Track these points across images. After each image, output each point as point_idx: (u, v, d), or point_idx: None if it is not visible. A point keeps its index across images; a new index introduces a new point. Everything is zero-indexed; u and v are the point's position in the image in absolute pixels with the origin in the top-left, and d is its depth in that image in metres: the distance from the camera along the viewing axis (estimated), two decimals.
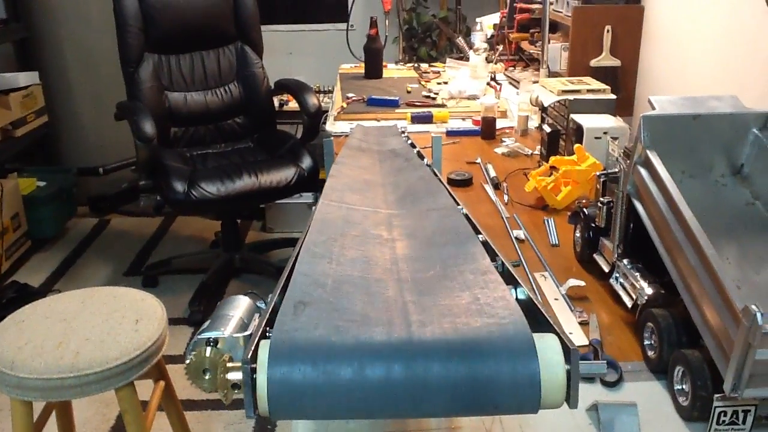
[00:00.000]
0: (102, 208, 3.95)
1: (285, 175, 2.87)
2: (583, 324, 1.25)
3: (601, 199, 1.39)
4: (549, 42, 2.57)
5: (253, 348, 0.44)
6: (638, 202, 1.20)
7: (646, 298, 1.17)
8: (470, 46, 3.31)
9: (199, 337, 0.48)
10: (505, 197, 1.83)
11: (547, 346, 0.45)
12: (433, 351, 0.45)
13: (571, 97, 2.06)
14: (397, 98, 2.61)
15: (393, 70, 3.27)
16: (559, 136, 2.06)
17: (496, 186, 1.90)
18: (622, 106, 2.24)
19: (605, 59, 2.35)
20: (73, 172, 3.81)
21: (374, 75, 3.05)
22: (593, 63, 2.36)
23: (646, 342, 1.12)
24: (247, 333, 0.47)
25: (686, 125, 1.16)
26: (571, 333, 1.22)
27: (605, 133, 1.92)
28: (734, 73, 1.88)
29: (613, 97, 2.06)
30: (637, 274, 1.23)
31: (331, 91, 3.74)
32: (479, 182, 1.94)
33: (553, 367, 0.45)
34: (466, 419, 1.02)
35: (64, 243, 3.62)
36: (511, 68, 3.11)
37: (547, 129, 2.08)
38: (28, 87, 3.56)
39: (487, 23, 3.33)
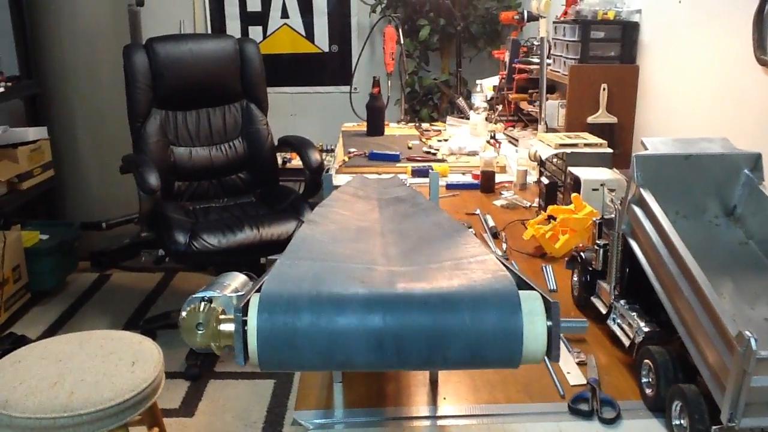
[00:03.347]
0: (103, 263, 3.96)
1: (286, 228, 2.89)
2: (581, 364, 1.25)
3: (597, 242, 1.41)
4: (546, 99, 2.64)
5: (245, 302, 0.45)
6: (633, 241, 1.21)
7: (642, 336, 1.17)
8: (471, 107, 3.39)
9: (194, 296, 0.49)
10: (504, 246, 1.84)
11: (529, 299, 0.46)
12: (415, 301, 0.45)
13: (568, 150, 2.10)
14: (398, 153, 2.66)
15: (395, 128, 3.34)
16: (557, 187, 2.09)
17: (495, 235, 1.92)
18: (620, 162, 2.27)
19: (602, 116, 2.41)
20: (76, 227, 3.83)
21: (376, 132, 3.11)
22: (590, 120, 2.42)
23: (644, 379, 1.12)
24: (240, 293, 0.48)
25: (678, 165, 1.19)
26: (568, 373, 1.22)
27: (602, 184, 1.95)
28: (726, 126, 1.92)
29: (610, 150, 2.10)
30: (634, 314, 1.23)
31: (333, 150, 3.80)
32: (478, 232, 1.96)
33: (535, 319, 0.45)
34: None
35: (63, 296, 3.62)
36: (511, 128, 3.17)
37: (545, 181, 2.11)
38: (37, 141, 3.63)
39: (486, 85, 3.42)
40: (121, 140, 3.25)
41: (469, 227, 1.94)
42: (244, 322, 0.43)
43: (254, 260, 3.61)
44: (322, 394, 1.16)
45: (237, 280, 0.56)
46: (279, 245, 2.92)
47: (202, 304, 0.48)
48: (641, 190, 1.15)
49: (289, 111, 4.52)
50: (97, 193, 4.03)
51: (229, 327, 0.44)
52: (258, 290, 0.48)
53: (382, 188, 1.54)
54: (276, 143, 3.28)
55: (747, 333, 0.84)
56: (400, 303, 0.47)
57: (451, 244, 0.58)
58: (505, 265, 0.53)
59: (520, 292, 0.47)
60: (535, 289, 0.46)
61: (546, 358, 0.45)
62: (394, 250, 0.79)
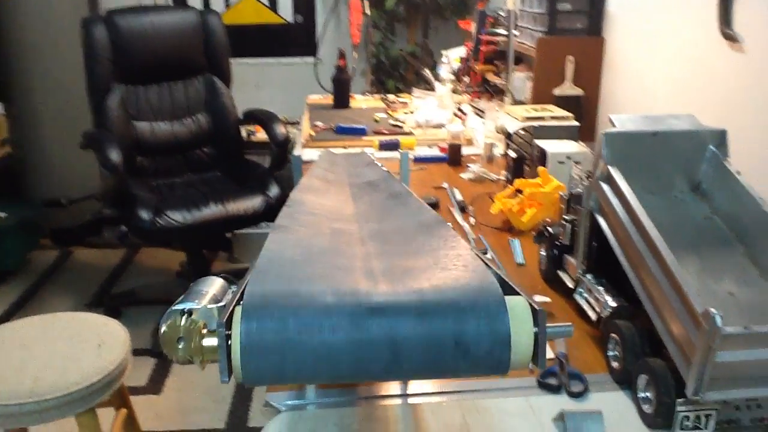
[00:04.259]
0: (65, 240, 3.88)
1: (252, 203, 2.86)
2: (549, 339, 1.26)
3: (565, 217, 1.42)
4: (513, 71, 2.63)
5: (227, 315, 0.44)
6: (601, 218, 1.22)
7: (610, 310, 1.19)
8: (437, 78, 3.37)
9: (173, 308, 0.47)
10: (472, 219, 1.85)
11: (516, 305, 0.46)
12: (403, 309, 0.45)
13: (535, 123, 2.11)
14: (364, 126, 2.63)
15: (361, 100, 3.31)
16: (524, 161, 2.10)
17: (463, 209, 1.92)
18: (585, 134, 2.29)
19: (568, 88, 2.41)
20: (38, 204, 3.74)
21: (342, 105, 3.08)
22: (557, 92, 2.42)
23: (610, 353, 1.14)
24: (221, 304, 0.47)
25: (646, 142, 1.20)
26: None
27: (568, 157, 1.97)
28: (692, 99, 1.94)
29: (576, 124, 2.11)
30: (601, 288, 1.25)
31: (298, 123, 3.76)
32: (446, 206, 1.96)
33: (523, 325, 0.45)
34: (439, 424, 1.02)
35: (25, 275, 3.54)
36: (477, 99, 3.16)
37: (512, 154, 2.11)
38: None
39: (453, 56, 3.40)
40: (82, 115, 3.16)
41: (437, 202, 1.94)
42: (228, 336, 0.42)
43: (220, 236, 3.58)
44: None
45: (214, 285, 0.54)
46: (245, 220, 2.90)
47: (183, 317, 0.47)
48: (609, 167, 1.16)
49: (252, 82, 4.44)
50: (58, 169, 3.93)
51: (212, 342, 0.43)
52: (239, 300, 0.47)
53: (352, 168, 1.51)
54: (240, 117, 3.23)
55: (712, 310, 0.85)
56: (389, 313, 0.46)
57: (437, 246, 0.57)
58: (492, 270, 0.52)
59: (507, 298, 0.47)
60: (521, 295, 0.46)
61: (531, 363, 0.45)
62: (378, 265, 0.70)
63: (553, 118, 2.15)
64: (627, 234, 1.11)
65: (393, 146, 2.48)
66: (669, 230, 1.09)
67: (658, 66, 2.13)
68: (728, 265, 1.11)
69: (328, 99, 3.24)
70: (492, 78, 3.00)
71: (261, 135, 3.70)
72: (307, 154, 2.43)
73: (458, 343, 0.44)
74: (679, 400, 0.93)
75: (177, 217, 2.70)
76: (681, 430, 0.95)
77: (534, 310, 0.45)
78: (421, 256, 0.56)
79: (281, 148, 2.94)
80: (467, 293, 0.47)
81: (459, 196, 2.00)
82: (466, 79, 3.21)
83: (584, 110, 2.43)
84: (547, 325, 0.44)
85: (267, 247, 0.64)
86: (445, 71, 3.36)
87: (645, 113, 2.22)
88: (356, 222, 0.87)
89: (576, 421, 0.98)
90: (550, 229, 1.47)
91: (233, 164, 3.19)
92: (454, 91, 3.19)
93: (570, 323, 0.44)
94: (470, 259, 0.55)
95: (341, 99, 3.08)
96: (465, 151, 2.42)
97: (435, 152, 2.47)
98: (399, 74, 4.19)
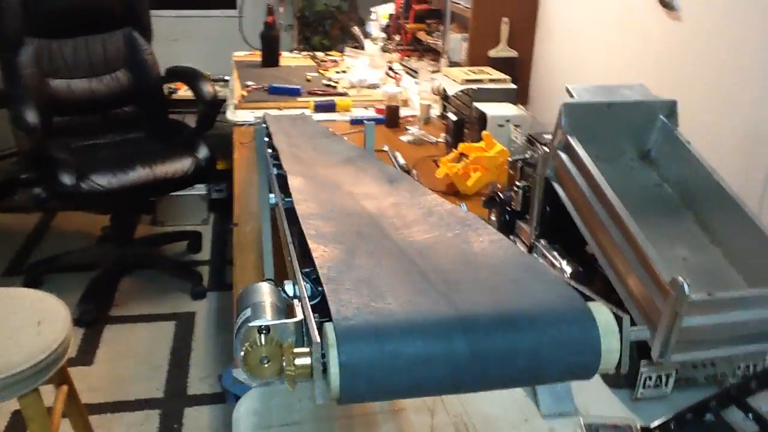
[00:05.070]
0: None
1: (182, 165, 2.76)
2: None
3: (517, 183, 1.44)
4: (449, 32, 2.63)
5: (316, 332, 0.43)
6: (558, 185, 1.25)
7: (567, 275, 1.23)
8: (366, 35, 3.33)
9: (249, 325, 0.45)
10: None
11: (601, 313, 0.47)
12: (493, 322, 0.45)
13: (474, 86, 2.13)
14: (298, 87, 2.58)
15: (289, 58, 3.23)
16: (464, 124, 2.12)
17: (407, 173, 1.93)
18: (519, 96, 2.33)
19: (503, 50, 2.44)
20: None
21: (272, 63, 3.00)
22: (492, 53, 2.44)
23: None
24: (297, 319, 0.45)
25: (601, 112, 1.23)
26: None
27: (508, 120, 2.00)
28: (627, 63, 2.00)
29: (514, 86, 2.15)
30: (555, 252, 1.29)
31: (224, 80, 3.64)
32: None
33: (610, 333, 0.47)
34: (410, 400, 1.03)
35: None
36: (407, 58, 3.15)
37: (452, 117, 2.13)
38: None
39: (381, 12, 3.36)
40: None
41: (409, 171, 1.94)
42: (322, 354, 0.41)
43: (147, 200, 3.46)
44: None
45: (268, 293, 0.52)
46: (175, 183, 2.81)
47: (262, 336, 0.45)
48: (568, 137, 1.19)
49: (169, 36, 4.24)
50: None
51: (305, 361, 0.42)
52: (318, 312, 0.45)
53: (314, 139, 1.38)
54: (163, 74, 3.09)
55: (680, 279, 0.90)
56: (482, 324, 0.46)
57: (492, 253, 0.57)
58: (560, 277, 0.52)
59: (591, 305, 0.48)
60: (593, 301, 0.47)
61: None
62: (438, 275, 0.61)
63: (491, 80, 2.17)
64: (587, 202, 1.14)
65: (329, 108, 2.45)
66: (622, 198, 1.13)
67: (593, 30, 2.18)
68: (679, 231, 1.17)
69: (255, 56, 3.15)
70: (424, 37, 2.99)
71: (184, 93, 3.56)
72: (241, 115, 2.37)
73: (547, 355, 0.45)
74: (643, 361, 0.99)
75: (102, 181, 2.58)
76: (643, 389, 1.01)
77: (617, 317, 0.47)
78: (481, 265, 0.54)
79: (210, 108, 2.84)
80: (551, 303, 0.48)
81: (402, 160, 2.00)
82: (397, 37, 3.19)
83: (518, 72, 2.46)
84: (631, 329, 0.46)
85: (318, 250, 0.58)
86: (374, 28, 3.32)
87: (578, 79, 2.28)
88: (381, 223, 0.75)
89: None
90: (501, 195, 1.49)
91: (158, 124, 3.06)
92: (384, 50, 3.16)
93: (645, 326, 0.45)
94: (543, 269, 0.55)
95: (270, 57, 3.00)
96: (401, 112, 2.42)
97: (371, 114, 2.45)
98: (323, 30, 4.11)
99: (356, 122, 2.36)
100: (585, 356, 0.46)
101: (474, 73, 2.21)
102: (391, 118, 2.36)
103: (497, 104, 2.08)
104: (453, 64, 2.57)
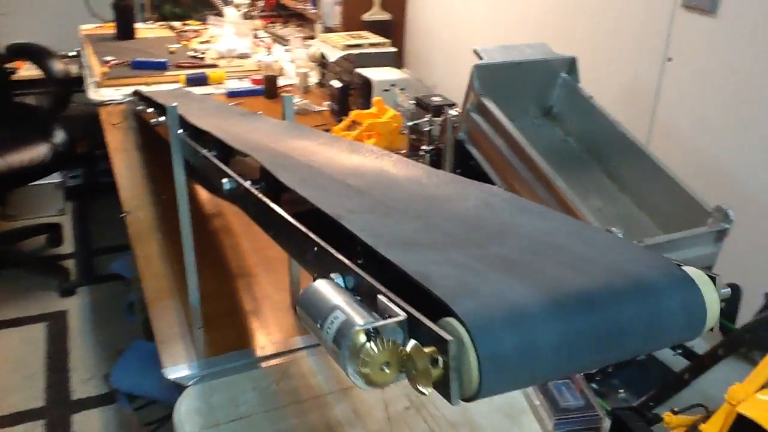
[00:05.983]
0: None
1: (37, 152, 2.52)
2: None
3: (424, 147, 1.45)
4: None
5: (436, 327, 0.38)
6: (472, 147, 1.26)
7: None
8: (225, 2, 3.18)
9: (356, 328, 0.40)
10: None
11: (697, 275, 0.47)
12: (622, 295, 0.44)
13: (356, 51, 2.09)
14: (164, 60, 2.42)
15: (145, 29, 3.02)
16: (349, 91, 2.08)
17: None
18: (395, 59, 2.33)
19: (377, 13, 2.42)
20: None
21: (127, 36, 2.78)
22: (366, 17, 2.41)
23: None
24: (401, 318, 0.40)
25: (510, 72, 1.25)
26: None
27: (393, 85, 1.99)
28: (501, 26, 2.05)
29: (394, 49, 2.14)
30: None
31: (74, 56, 3.34)
32: None
33: (710, 293, 0.47)
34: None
35: None
36: (271, 25, 3.05)
37: (336, 84, 2.09)
38: None
39: None
40: None
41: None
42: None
43: (2, 194, 3.13)
44: (186, 345, 1.07)
45: (338, 292, 0.46)
46: (31, 173, 2.56)
47: (379, 342, 0.40)
48: (482, 98, 1.19)
49: None
50: None
51: (437, 361, 0.37)
52: (429, 305, 0.40)
53: (230, 117, 1.26)
54: (3, 51, 2.78)
55: (614, 229, 0.93)
56: (611, 301, 0.44)
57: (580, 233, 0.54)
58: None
59: (688, 270, 0.47)
60: (680, 266, 0.47)
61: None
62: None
63: (371, 45, 2.15)
64: (506, 161, 1.16)
65: (201, 81, 2.32)
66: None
67: None
68: (590, 183, 1.22)
69: (106, 28, 2.92)
70: (290, 3, 2.90)
71: (24, 72, 3.23)
72: (106, 93, 2.18)
73: (665, 322, 0.45)
74: None
75: None
76: None
77: (711, 278, 0.47)
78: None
79: (63, 87, 2.60)
80: (652, 271, 0.47)
81: None
82: (260, 3, 3.07)
83: (392, 35, 2.46)
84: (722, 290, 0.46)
85: (379, 239, 0.49)
86: None
87: (451, 42, 2.31)
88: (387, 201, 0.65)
89: None
90: None
91: (3, 108, 2.76)
92: (246, 17, 3.03)
93: (727, 286, 0.46)
94: (606, 236, 0.53)
95: (125, 29, 2.78)
96: (278, 82, 2.34)
97: (248, 85, 2.35)
98: None
99: (234, 95, 2.25)
100: (695, 319, 0.46)
101: (353, 38, 2.18)
102: (269, 89, 2.27)
103: (380, 69, 2.06)
104: (327, 29, 2.52)
